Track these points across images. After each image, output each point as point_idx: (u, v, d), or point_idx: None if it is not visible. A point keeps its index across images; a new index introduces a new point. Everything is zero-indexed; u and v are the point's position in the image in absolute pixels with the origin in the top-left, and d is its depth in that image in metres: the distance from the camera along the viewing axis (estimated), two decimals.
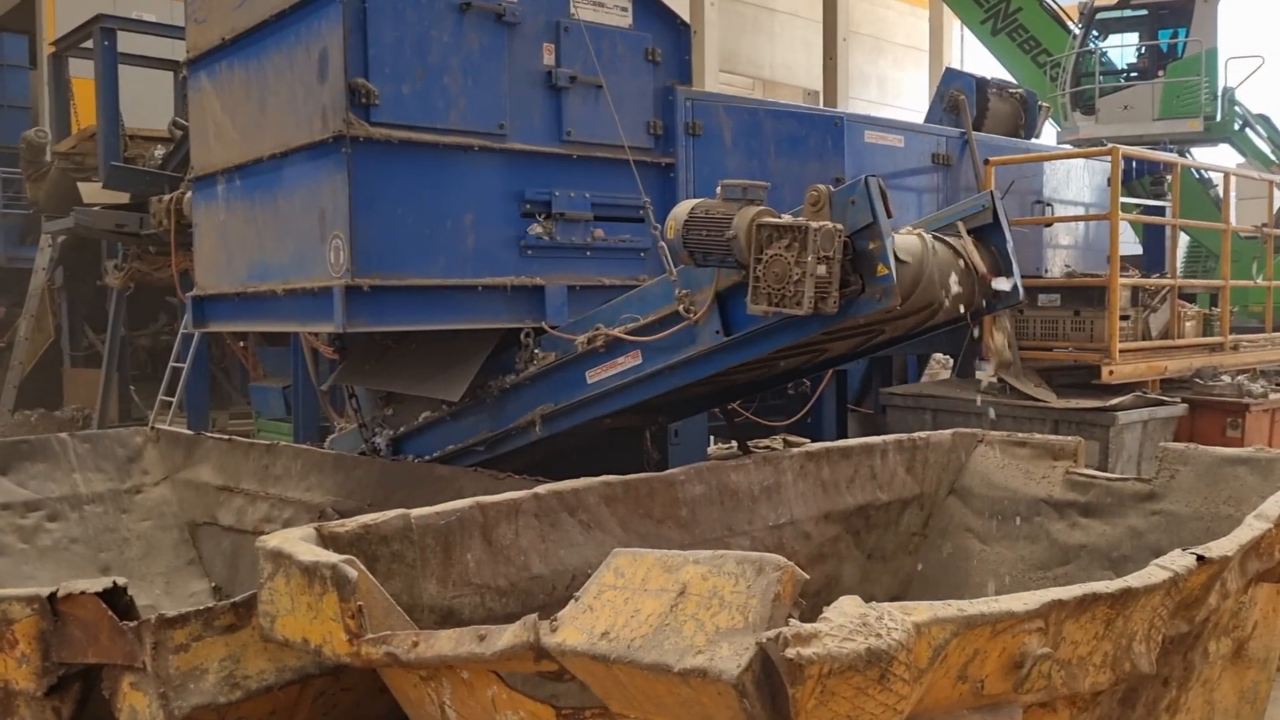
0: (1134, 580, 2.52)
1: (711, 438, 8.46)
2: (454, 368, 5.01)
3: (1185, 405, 6.45)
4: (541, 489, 3.61)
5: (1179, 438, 6.54)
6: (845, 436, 8.37)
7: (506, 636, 2.34)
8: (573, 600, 2.32)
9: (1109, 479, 4.73)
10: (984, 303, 4.20)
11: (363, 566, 2.68)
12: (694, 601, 2.11)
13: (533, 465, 6.10)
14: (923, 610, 2.11)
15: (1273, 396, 6.79)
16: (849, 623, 2.00)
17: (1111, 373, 6.24)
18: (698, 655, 2.01)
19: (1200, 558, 2.76)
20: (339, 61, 4.32)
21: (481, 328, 4.82)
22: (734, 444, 7.92)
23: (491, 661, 2.38)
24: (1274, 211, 9.06)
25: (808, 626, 1.96)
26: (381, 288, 4.45)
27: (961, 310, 4.13)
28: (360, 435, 5.80)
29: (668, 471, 3.99)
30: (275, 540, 2.88)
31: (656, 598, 2.17)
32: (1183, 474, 4.53)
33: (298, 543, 2.85)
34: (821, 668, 1.91)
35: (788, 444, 8.33)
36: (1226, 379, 6.86)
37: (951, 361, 8.53)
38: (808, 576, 2.11)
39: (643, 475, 3.91)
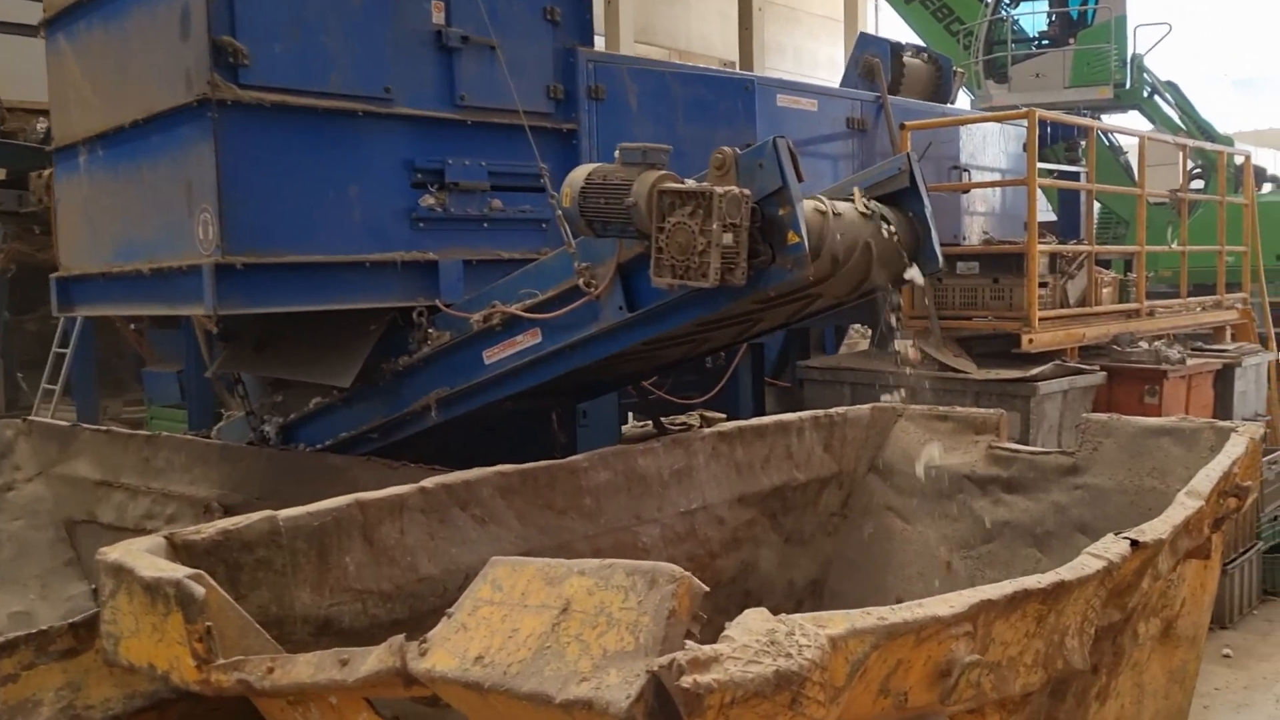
0: (1066, 572, 2.31)
1: (630, 414, 8.22)
2: (343, 351, 4.67)
3: (1104, 373, 6.35)
4: (429, 482, 3.30)
5: (1097, 406, 6.44)
6: (763, 411, 8.17)
7: (371, 661, 2.05)
8: (445, 617, 2.04)
9: (1031, 453, 4.57)
10: (907, 268, 3.98)
11: (212, 581, 2.36)
12: (578, 619, 1.84)
13: (433, 452, 5.79)
14: (839, 621, 1.87)
15: (1190, 362, 6.73)
16: (755, 641, 1.75)
17: (1031, 341, 6.10)
18: (582, 683, 1.74)
19: (1134, 543, 2.57)
20: (202, 17, 3.93)
21: (371, 307, 4.47)
22: (650, 423, 7.68)
23: (355, 689, 2.08)
24: (1187, 174, 9.05)
25: (707, 648, 1.70)
26: (256, 266, 4.08)
27: (886, 277, 3.92)
28: (248, 424, 5.42)
29: (569, 459, 3.71)
30: (117, 552, 2.54)
31: (537, 615, 1.89)
32: (1105, 446, 4.39)
33: (141, 555, 2.51)
34: (723, 696, 1.65)
35: (705, 420, 8.10)
36: (1144, 345, 6.79)
37: (870, 331, 8.38)
38: (707, 589, 1.85)
39: (541, 464, 3.62)
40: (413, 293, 4.52)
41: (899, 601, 4.58)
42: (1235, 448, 3.69)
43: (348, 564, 3.05)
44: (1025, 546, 4.46)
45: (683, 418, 8.14)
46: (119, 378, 12.31)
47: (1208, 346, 7.61)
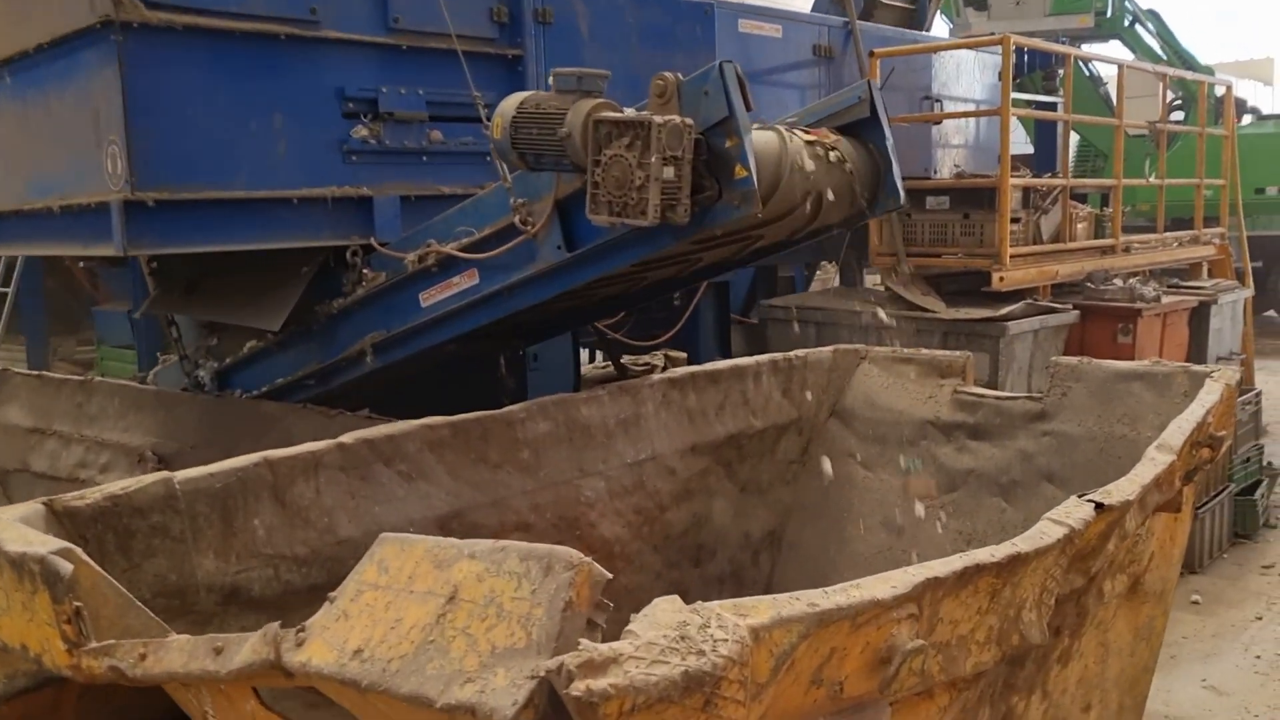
0: (1023, 543, 2.10)
1: (593, 352, 7.98)
2: (274, 293, 4.40)
3: (1077, 312, 6.14)
4: (348, 437, 3.07)
5: (1069, 346, 6.25)
6: (728, 351, 7.95)
7: (245, 651, 1.83)
8: (328, 601, 1.82)
9: (998, 398, 4.37)
10: (865, 205, 3.74)
11: (84, 556, 2.12)
12: (466, 610, 1.62)
13: (375, 399, 5.54)
14: (762, 610, 1.65)
15: (1165, 300, 6.54)
16: (662, 637, 1.53)
17: (1002, 279, 5.89)
18: (466, 685, 1.53)
19: (1098, 505, 2.37)
20: None
21: (300, 247, 4.20)
22: (609, 364, 7.45)
23: (230, 679, 1.87)
24: (1166, 105, 8.79)
25: (604, 648, 1.49)
26: (171, 203, 3.79)
27: (840, 215, 3.68)
28: (182, 368, 5.17)
29: (505, 409, 3.48)
30: None
31: (423, 603, 1.67)
32: (1075, 391, 4.19)
33: (11, 525, 2.27)
34: (621, 703, 1.44)
35: (668, 360, 7.89)
36: (1118, 283, 6.58)
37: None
38: (610, 575, 1.63)
39: (474, 415, 3.39)
40: (346, 231, 4.24)
41: (859, 554, 4.42)
42: (1209, 395, 3.49)
43: (256, 527, 2.83)
44: (990, 496, 4.28)
45: (645, 358, 7.93)
46: (73, 316, 11.97)
47: (1184, 284, 7.42)
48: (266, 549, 2.84)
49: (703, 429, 4.18)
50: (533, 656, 1.52)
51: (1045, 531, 2.17)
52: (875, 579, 1.84)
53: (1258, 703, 4.20)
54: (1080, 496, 2.40)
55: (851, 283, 7.23)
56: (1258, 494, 6.33)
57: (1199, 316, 7.04)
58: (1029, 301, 5.94)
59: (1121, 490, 2.49)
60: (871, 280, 7.78)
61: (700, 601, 1.64)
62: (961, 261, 6.16)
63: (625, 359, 7.58)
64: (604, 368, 7.70)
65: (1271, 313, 15.25)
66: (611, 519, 3.76)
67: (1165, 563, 3.55)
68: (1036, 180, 6.44)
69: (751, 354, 7.73)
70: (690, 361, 7.07)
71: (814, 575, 4.53)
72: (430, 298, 4.01)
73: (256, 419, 4.67)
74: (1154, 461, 2.73)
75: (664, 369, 7.85)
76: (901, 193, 3.67)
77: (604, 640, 1.56)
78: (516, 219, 3.53)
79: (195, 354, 5.12)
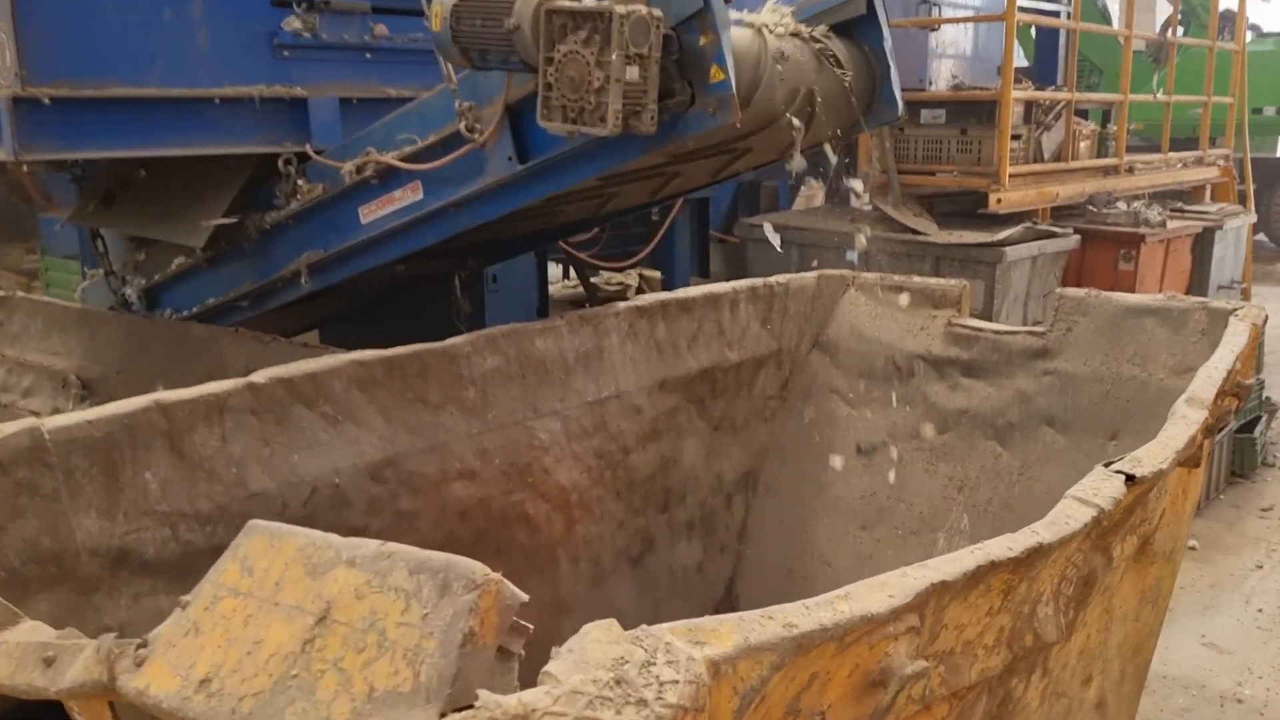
0: (1045, 532, 1.74)
1: (566, 269, 7.54)
2: (197, 206, 3.96)
3: (1077, 237, 5.75)
4: (260, 376, 2.67)
5: (1067, 273, 5.88)
6: (707, 271, 7.55)
7: (77, 668, 1.45)
8: (178, 607, 1.44)
9: (996, 331, 4.00)
10: (859, 116, 3.31)
11: None
12: (340, 635, 1.25)
13: (319, 322, 5.14)
14: (724, 635, 1.28)
15: (1170, 225, 6.15)
16: (591, 683, 1.17)
17: (1000, 201, 5.48)
18: None
19: (1129, 478, 2.01)
20: None
21: (225, 153, 3.74)
22: (579, 284, 7.04)
23: (64, 696, 1.50)
24: (1176, 7, 8.29)
25: (510, 702, 1.12)
26: (70, 101, 3.33)
27: (830, 131, 3.25)
28: (109, 285, 4.73)
29: (447, 342, 3.08)
30: None
31: (289, 621, 1.30)
32: (1081, 326, 3.82)
33: None
34: None
35: (643, 279, 7.48)
36: (1121, 206, 6.18)
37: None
38: (525, 597, 1.26)
39: (411, 349, 2.99)
40: (277, 136, 3.78)
41: (840, 500, 4.08)
42: (1236, 338, 3.13)
43: (148, 481, 2.44)
44: (984, 439, 3.94)
45: (619, 277, 7.52)
46: (23, 223, 11.42)
47: (1188, 208, 7.02)
48: (161, 506, 2.46)
49: (673, 363, 3.80)
50: (420, 705, 1.15)
51: (1070, 515, 1.81)
52: (869, 585, 1.47)
53: (1260, 662, 3.93)
54: (1107, 466, 2.04)
55: (838, 201, 6.81)
56: (1256, 431, 6.03)
57: (1202, 243, 6.67)
58: (1028, 225, 5.55)
59: (1154, 457, 2.13)
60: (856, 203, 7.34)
61: (643, 627, 1.27)
62: (957, 181, 5.74)
63: (598, 277, 7.16)
64: (574, 287, 7.28)
65: (1261, 236, 14.90)
66: (569, 464, 3.39)
67: (1176, 519, 3.22)
68: (1040, 93, 5.99)
69: (732, 275, 7.35)
70: (666, 281, 6.67)
71: (791, 521, 4.20)
72: (370, 213, 3.58)
73: (186, 343, 4.26)
74: (1186, 420, 2.37)
75: (638, 289, 7.45)
76: (900, 102, 3.25)
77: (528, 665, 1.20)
78: (462, 126, 3.09)
79: (122, 270, 4.68)
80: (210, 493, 2.55)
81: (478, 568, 1.23)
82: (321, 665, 1.23)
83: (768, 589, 4.13)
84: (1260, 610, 4.35)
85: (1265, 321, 3.45)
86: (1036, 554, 1.70)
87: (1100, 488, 1.92)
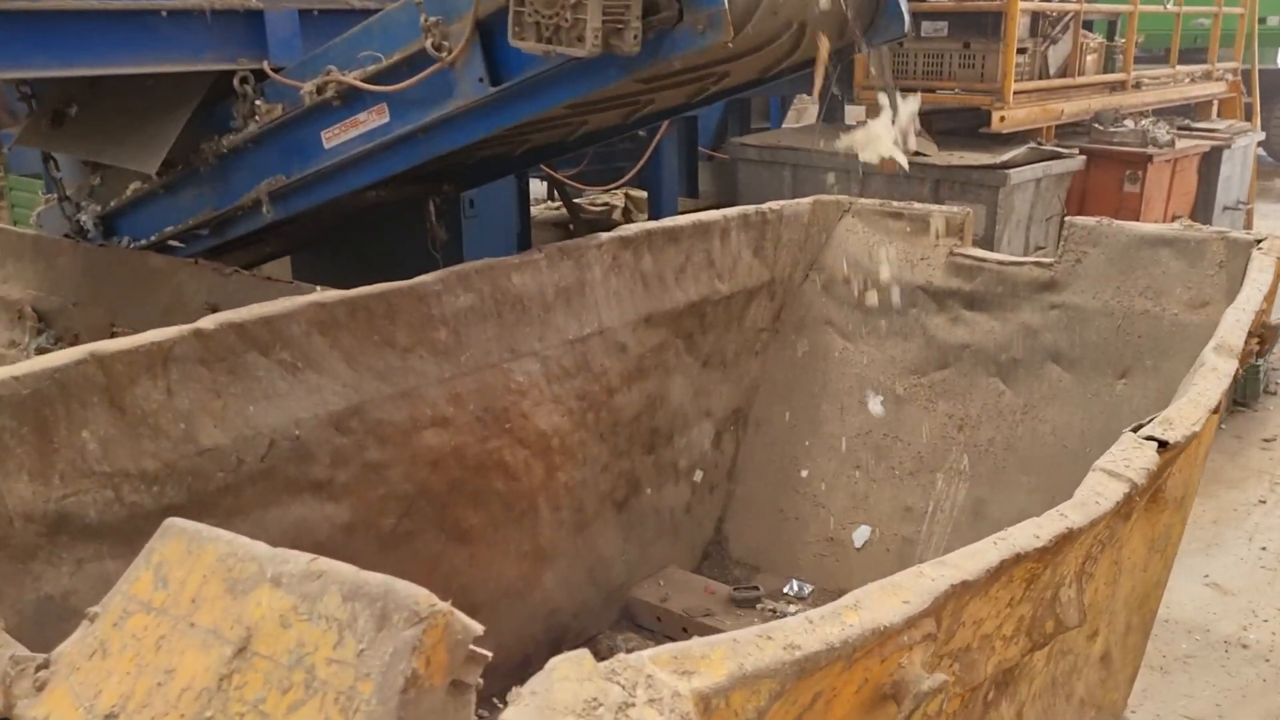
0: (1074, 515, 1.55)
1: (552, 189, 7.25)
2: (149, 128, 3.69)
3: (1083, 158, 5.50)
4: (209, 322, 2.45)
5: (1070, 195, 5.64)
6: (695, 191, 7.30)
7: None
8: (85, 620, 1.25)
9: (1000, 262, 3.78)
10: (857, 35, 3.06)
11: None
12: (263, 671, 1.06)
13: (289, 252, 4.90)
14: (716, 662, 1.10)
15: (1179, 144, 5.90)
16: None
17: (1003, 119, 5.22)
18: None
19: (1162, 444, 1.82)
20: None
21: (175, 71, 3.46)
22: (562, 206, 6.77)
23: None
24: None
25: None
26: (3, 14, 3.04)
27: (827, 47, 3.00)
28: (63, 211, 4.47)
29: (416, 280, 2.86)
30: None
31: (205, 648, 1.11)
32: (1091, 257, 3.62)
33: None
34: None
35: (629, 201, 7.21)
36: (1129, 124, 5.92)
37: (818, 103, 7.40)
38: (480, 629, 1.07)
39: (376, 288, 2.77)
40: (231, 52, 3.50)
41: (834, 438, 3.90)
42: (1262, 274, 2.93)
43: (85, 440, 2.24)
44: (986, 375, 3.75)
45: (604, 197, 7.25)
46: None
47: (1195, 125, 6.75)
48: (102, 466, 2.26)
49: (659, 296, 3.59)
50: None
51: (1100, 493, 1.62)
52: (881, 589, 1.28)
53: (1265, 603, 3.81)
54: (1135, 431, 1.85)
55: (833, 119, 6.51)
56: (1258, 358, 5.85)
57: (1209, 162, 6.42)
58: (1032, 145, 5.29)
59: (1185, 418, 1.94)
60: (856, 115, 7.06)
61: (620, 657, 1.08)
62: (959, 98, 5.46)
63: (580, 200, 6.90)
64: (557, 209, 7.02)
65: (1261, 151, 14.60)
66: (549, 407, 3.20)
67: (1190, 464, 3.04)
68: (1047, 4, 5.69)
69: (721, 195, 7.08)
70: (653, 202, 6.41)
71: (782, 460, 4.03)
72: (334, 137, 3.33)
73: (144, 274, 4.03)
74: (1217, 373, 2.18)
75: (624, 210, 7.19)
76: (907, 17, 2.99)
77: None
78: (429, 43, 2.83)
79: (77, 195, 4.42)
80: (156, 450, 2.35)
81: (422, 596, 1.04)
82: (240, 708, 1.04)
83: (758, 530, 3.98)
84: (1264, 549, 4.22)
85: None
86: (1065, 540, 1.51)
87: (1131, 458, 1.73)
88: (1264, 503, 4.61)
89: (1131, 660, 3.10)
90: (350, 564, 2.54)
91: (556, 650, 3.40)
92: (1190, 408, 1.96)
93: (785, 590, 3.76)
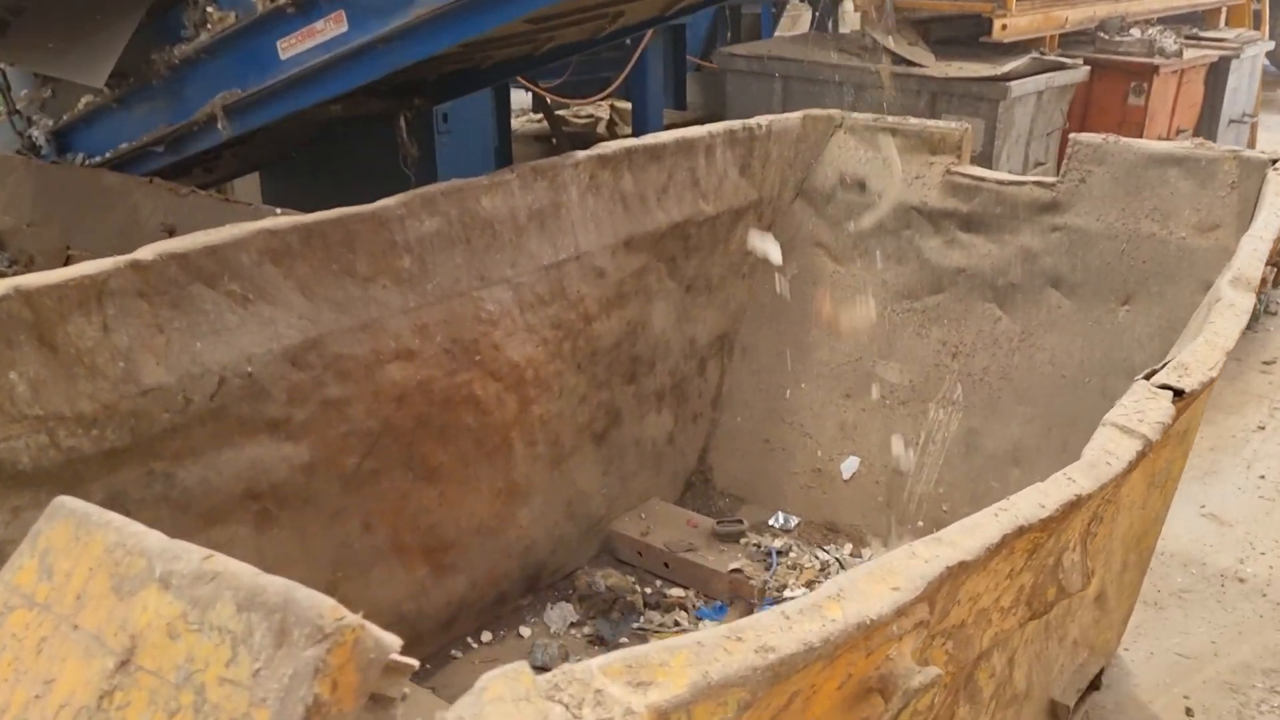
0: (1084, 479, 1.40)
1: (533, 97, 6.97)
2: (96, 37, 3.45)
3: (1087, 69, 5.26)
4: (147, 253, 2.27)
5: (1072, 109, 5.42)
6: (683, 102, 7.04)
7: None
8: None
9: (1000, 181, 3.60)
10: None
11: None
12: (146, 689, 0.91)
13: (253, 169, 4.68)
14: (677, 670, 0.95)
15: (1187, 54, 5.66)
16: None
17: (1005, 27, 4.97)
18: None
19: (1178, 393, 1.67)
20: None
21: None
22: (543, 117, 6.52)
23: None
24: None
25: None
26: None
27: None
28: (14, 126, 4.24)
29: (377, 204, 2.67)
30: None
31: (88, 657, 0.96)
32: (1095, 177, 3.43)
33: None
34: None
35: (614, 112, 6.96)
36: (1135, 33, 5.66)
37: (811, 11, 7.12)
38: (397, 644, 0.91)
39: (334, 213, 2.59)
40: None
41: (823, 365, 3.75)
42: (1278, 197, 2.75)
43: (14, 382, 2.07)
44: (983, 301, 3.59)
45: (589, 109, 6.99)
46: None
47: (1203, 34, 6.49)
48: (33, 409, 2.10)
49: (640, 218, 3.40)
50: None
51: (1113, 452, 1.47)
52: (868, 575, 1.14)
53: (1263, 536, 3.71)
54: (1147, 379, 1.70)
55: (826, 27, 6.24)
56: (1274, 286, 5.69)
57: (1217, 73, 6.17)
58: (1034, 56, 5.05)
59: (1202, 362, 1.78)
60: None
61: (565, 668, 0.94)
62: (958, 4, 5.20)
63: (563, 112, 6.65)
64: (539, 121, 6.76)
65: (1265, 60, 14.25)
66: (522, 337, 3.04)
67: (1198, 401, 2.92)
68: None
69: (709, 106, 6.83)
70: (636, 115, 6.16)
71: (769, 388, 3.88)
72: (290, 48, 3.11)
73: (99, 193, 3.83)
74: (1234, 310, 2.01)
75: (609, 123, 6.93)
76: None
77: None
78: None
79: (28, 109, 4.18)
80: (94, 391, 2.18)
81: (327, 608, 0.88)
82: None
83: (743, 461, 3.85)
84: (1263, 477, 4.11)
85: None
86: (1072, 507, 1.37)
87: (1145, 411, 1.58)
88: (1263, 429, 4.49)
89: (1127, 599, 3.00)
90: (312, 505, 2.38)
91: (533, 587, 3.31)
92: (1207, 350, 1.81)
93: (770, 522, 3.64)
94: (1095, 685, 2.92)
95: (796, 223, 3.94)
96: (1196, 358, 1.79)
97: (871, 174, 3.81)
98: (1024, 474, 3.39)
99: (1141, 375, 1.72)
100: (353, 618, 0.89)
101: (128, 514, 2.29)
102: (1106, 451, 1.46)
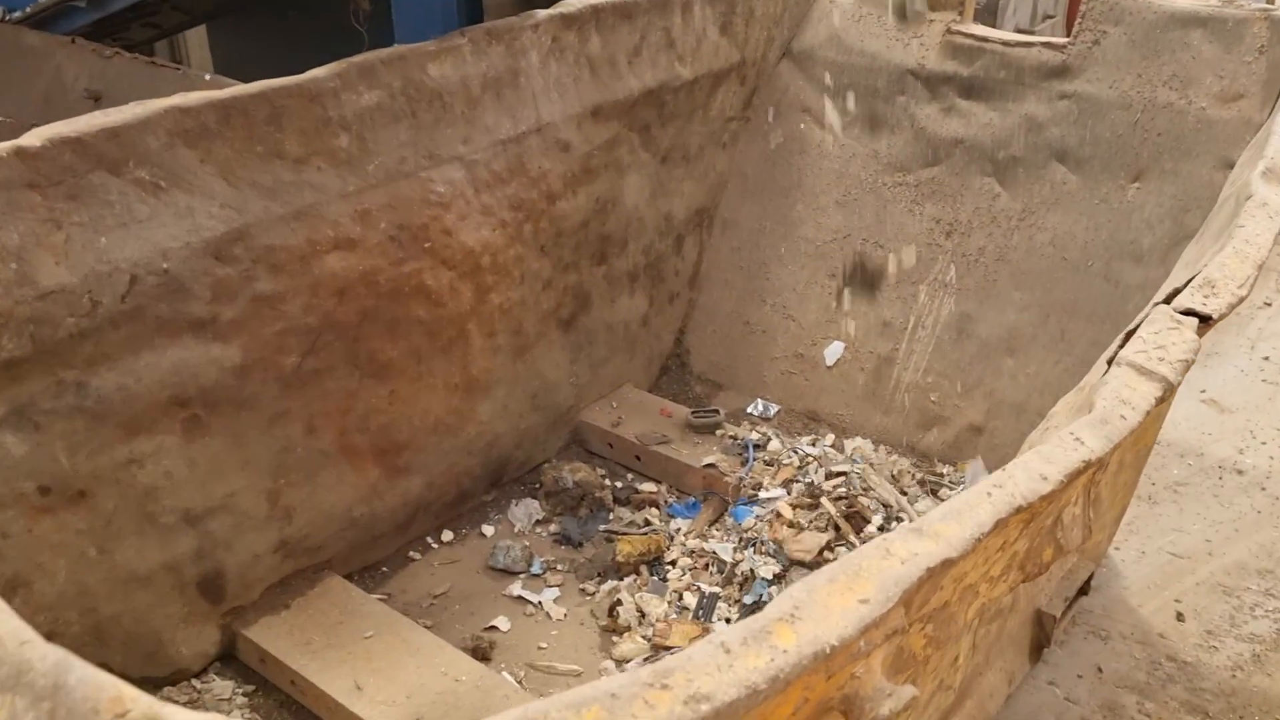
0: (1093, 440, 1.20)
1: None
2: None
3: None
4: (34, 138, 1.99)
5: None
6: None
7: None
8: None
9: (1005, 43, 3.29)
10: None
11: None
12: None
13: (189, 26, 4.32)
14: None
15: None
16: None
17: None
18: None
19: (1204, 319, 1.45)
20: None
21: None
22: None
23: None
24: None
25: None
26: None
27: None
28: None
29: (306, 75, 2.38)
30: None
31: None
32: (1111, 39, 3.13)
33: None
34: None
35: None
36: None
37: None
38: None
39: (256, 87, 2.30)
40: None
41: (809, 241, 3.50)
42: None
43: None
44: (982, 175, 3.33)
45: None
46: None
47: None
48: None
49: (610, 84, 3.10)
50: None
51: (1129, 400, 1.25)
52: (831, 584, 0.93)
53: (1264, 423, 3.54)
54: (1169, 302, 1.47)
55: None
56: None
57: None
58: None
59: (1231, 278, 1.55)
60: None
61: None
62: None
63: None
64: None
65: None
66: (477, 220, 2.78)
67: None
68: None
69: None
70: None
71: (750, 266, 3.65)
72: None
73: (19, 54, 3.51)
74: (1267, 209, 1.76)
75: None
76: None
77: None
78: None
79: None
80: None
81: (105, 699, 0.67)
82: None
83: (722, 344, 3.64)
84: (1267, 358, 3.92)
85: None
86: (1080, 474, 1.16)
87: (1166, 345, 1.35)
88: (1269, 305, 4.28)
89: (1120, 499, 2.83)
90: (248, 409, 2.16)
91: (497, 482, 3.13)
92: (1237, 263, 1.57)
93: (749, 410, 3.46)
94: (1084, 590, 2.79)
95: (782, 87, 3.63)
96: (1225, 272, 1.55)
97: (865, 32, 3.49)
98: (1018, 364, 3.19)
99: (1163, 299, 1.50)
100: (146, 701, 0.69)
101: (37, 427, 2.10)
102: (1121, 401, 1.25)
